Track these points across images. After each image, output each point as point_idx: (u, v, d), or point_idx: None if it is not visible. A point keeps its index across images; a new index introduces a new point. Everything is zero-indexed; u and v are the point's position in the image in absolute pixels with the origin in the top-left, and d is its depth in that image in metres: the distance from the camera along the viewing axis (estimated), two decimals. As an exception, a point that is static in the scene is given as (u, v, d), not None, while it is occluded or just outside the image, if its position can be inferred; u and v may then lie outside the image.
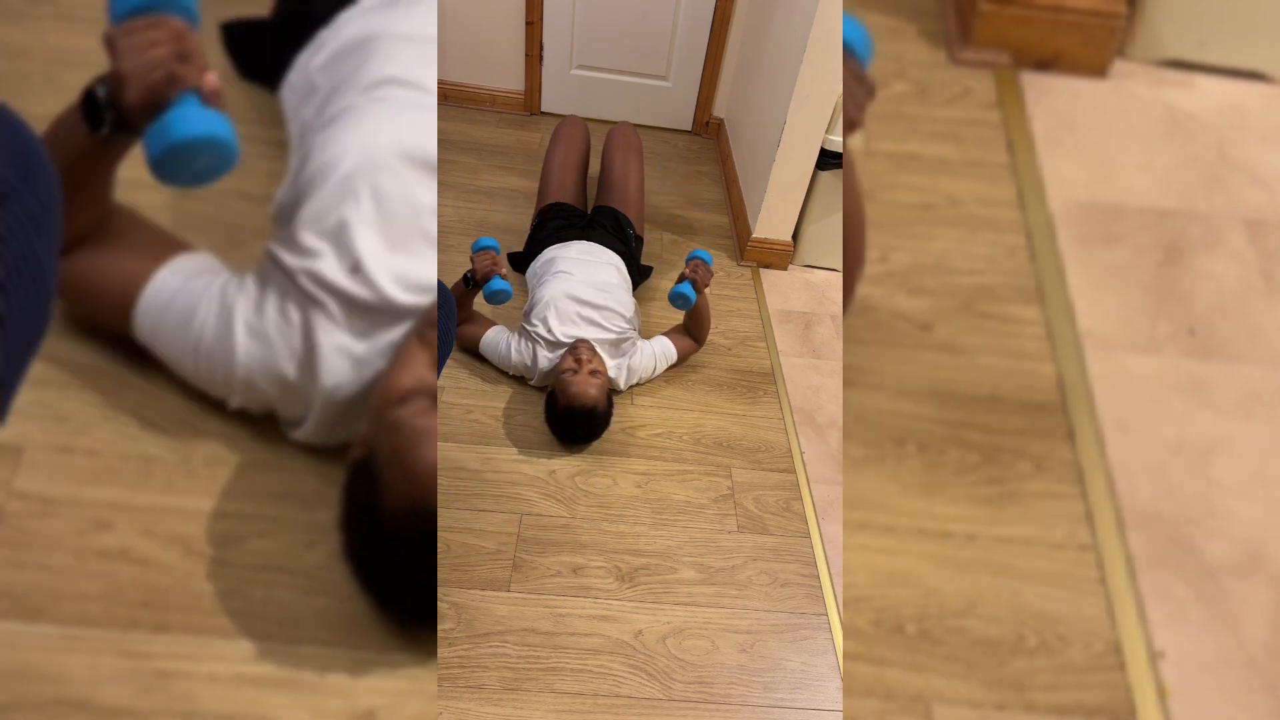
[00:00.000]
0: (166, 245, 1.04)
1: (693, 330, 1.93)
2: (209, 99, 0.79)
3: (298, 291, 0.98)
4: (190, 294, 1.00)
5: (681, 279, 1.81)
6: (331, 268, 0.97)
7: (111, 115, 0.80)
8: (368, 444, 0.90)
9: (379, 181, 1.00)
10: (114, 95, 0.79)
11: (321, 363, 0.98)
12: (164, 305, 0.99)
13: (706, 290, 1.87)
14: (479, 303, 1.92)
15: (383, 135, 1.02)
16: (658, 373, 1.89)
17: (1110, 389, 1.04)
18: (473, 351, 1.88)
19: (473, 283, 1.72)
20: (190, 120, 0.75)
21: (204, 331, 0.98)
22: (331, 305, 0.98)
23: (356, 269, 0.98)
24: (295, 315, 0.99)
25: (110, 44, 0.77)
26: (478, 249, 1.75)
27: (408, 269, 1.00)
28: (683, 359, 1.94)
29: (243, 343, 0.98)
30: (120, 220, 1.04)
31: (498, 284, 1.68)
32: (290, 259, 0.99)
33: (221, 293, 1.00)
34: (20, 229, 0.73)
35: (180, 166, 0.78)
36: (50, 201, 0.79)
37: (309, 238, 0.98)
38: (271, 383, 1.00)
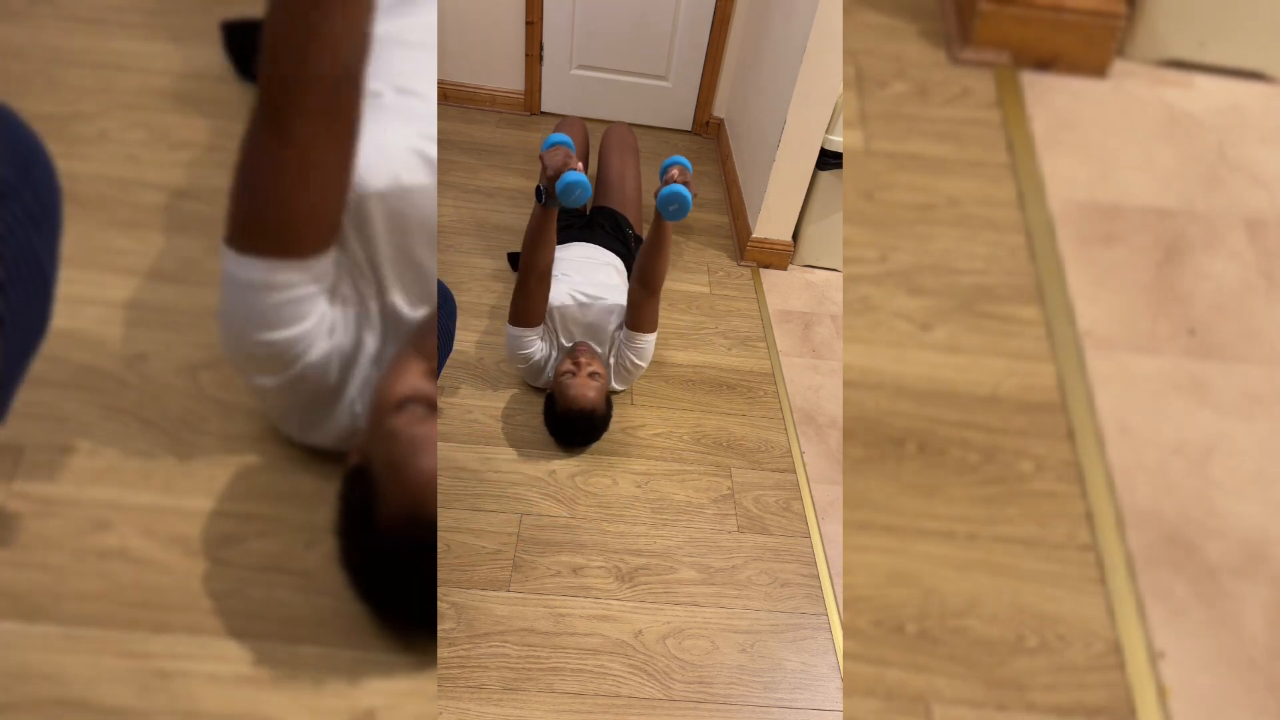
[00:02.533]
0: (329, 229, 0.92)
1: (650, 272, 1.65)
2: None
3: (361, 308, 0.98)
4: (299, 306, 0.91)
5: (667, 182, 1.55)
6: (368, 282, 0.98)
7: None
8: (363, 452, 0.90)
9: (385, 191, 1.00)
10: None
11: (354, 376, 0.98)
12: (261, 288, 0.89)
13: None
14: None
15: (385, 144, 1.02)
16: (646, 364, 1.78)
17: (1110, 389, 1.04)
18: (516, 315, 1.70)
19: (546, 197, 1.51)
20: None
21: (277, 345, 0.91)
22: (376, 321, 0.98)
23: (374, 279, 0.98)
24: (354, 330, 0.98)
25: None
26: (548, 145, 1.53)
27: (413, 277, 1.00)
28: (653, 322, 1.73)
29: (315, 359, 0.95)
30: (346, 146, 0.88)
31: (574, 175, 1.46)
32: (357, 276, 0.99)
33: (321, 318, 0.94)
34: (20, 228, 0.73)
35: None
36: (50, 201, 0.79)
37: (359, 252, 0.99)
38: (307, 392, 0.99)
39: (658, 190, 1.56)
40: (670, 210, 1.55)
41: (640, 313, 1.71)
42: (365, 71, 0.83)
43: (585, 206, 2.22)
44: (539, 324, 1.72)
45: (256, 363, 0.93)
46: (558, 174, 1.49)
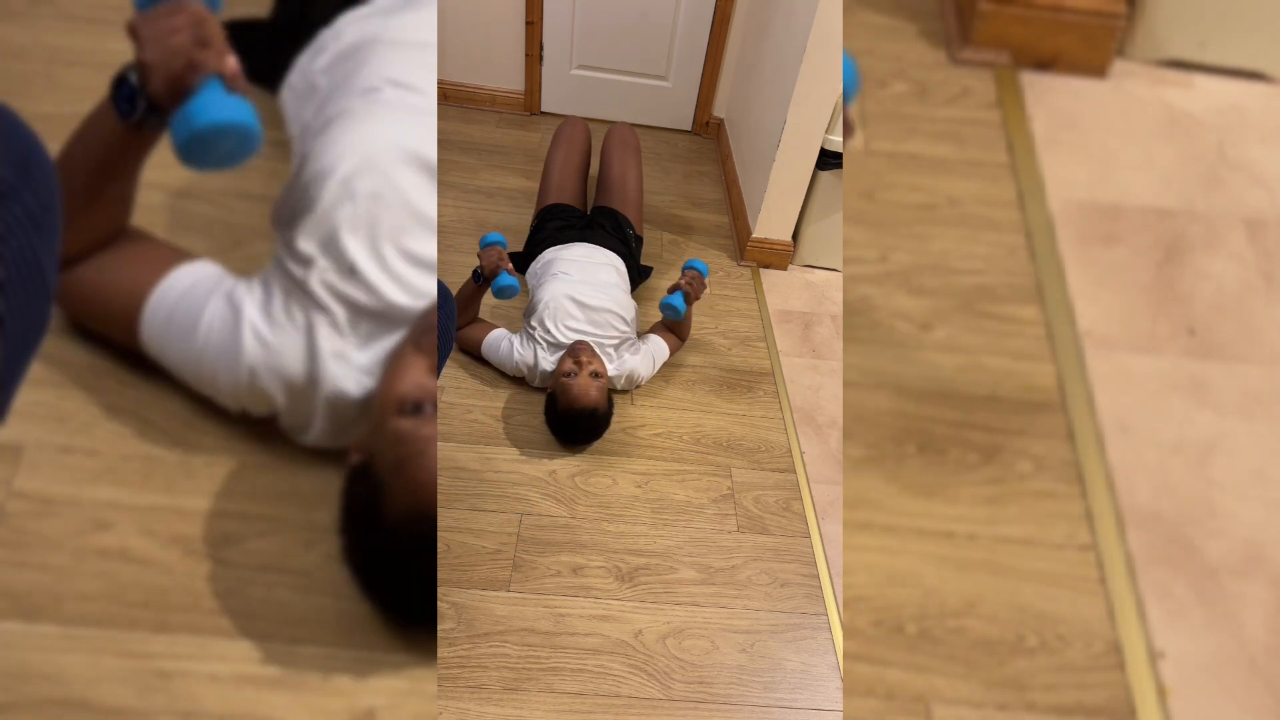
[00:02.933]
0: (170, 255, 1.04)
1: (676, 330, 1.97)
2: (231, 83, 0.81)
3: (302, 296, 0.98)
4: (195, 300, 0.99)
5: (674, 288, 1.83)
6: (331, 272, 0.97)
7: (143, 102, 0.81)
8: (366, 450, 0.90)
9: (378, 185, 0.99)
10: (144, 82, 0.80)
11: (324, 370, 0.98)
12: (169, 313, 0.98)
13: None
14: (486, 300, 1.93)
15: (381, 138, 1.02)
16: (654, 371, 1.90)
17: (1110, 389, 1.04)
18: (474, 354, 1.88)
19: (481, 279, 1.73)
20: (213, 106, 0.77)
21: (210, 337, 0.97)
22: (335, 310, 0.97)
23: (353, 272, 0.97)
24: (300, 320, 0.98)
25: (134, 33, 0.78)
26: (485, 244, 1.76)
27: (407, 273, 1.00)
28: (677, 342, 1.98)
29: (250, 348, 0.97)
30: (127, 234, 1.04)
31: (505, 279, 1.69)
32: (293, 263, 0.98)
33: (228, 298, 0.99)
34: (20, 228, 0.73)
35: (206, 152, 0.79)
36: (50, 201, 0.79)
37: (309, 243, 0.98)
38: (276, 389, 0.99)
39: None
40: (665, 313, 1.84)
41: (671, 340, 1.95)
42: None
43: (586, 207, 2.23)
44: (487, 332, 1.86)
45: (214, 390, 1.02)
46: (492, 275, 1.70)
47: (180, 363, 1.00)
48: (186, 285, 1.00)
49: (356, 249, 0.98)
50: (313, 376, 0.98)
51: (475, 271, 1.74)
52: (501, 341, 1.83)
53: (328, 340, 0.98)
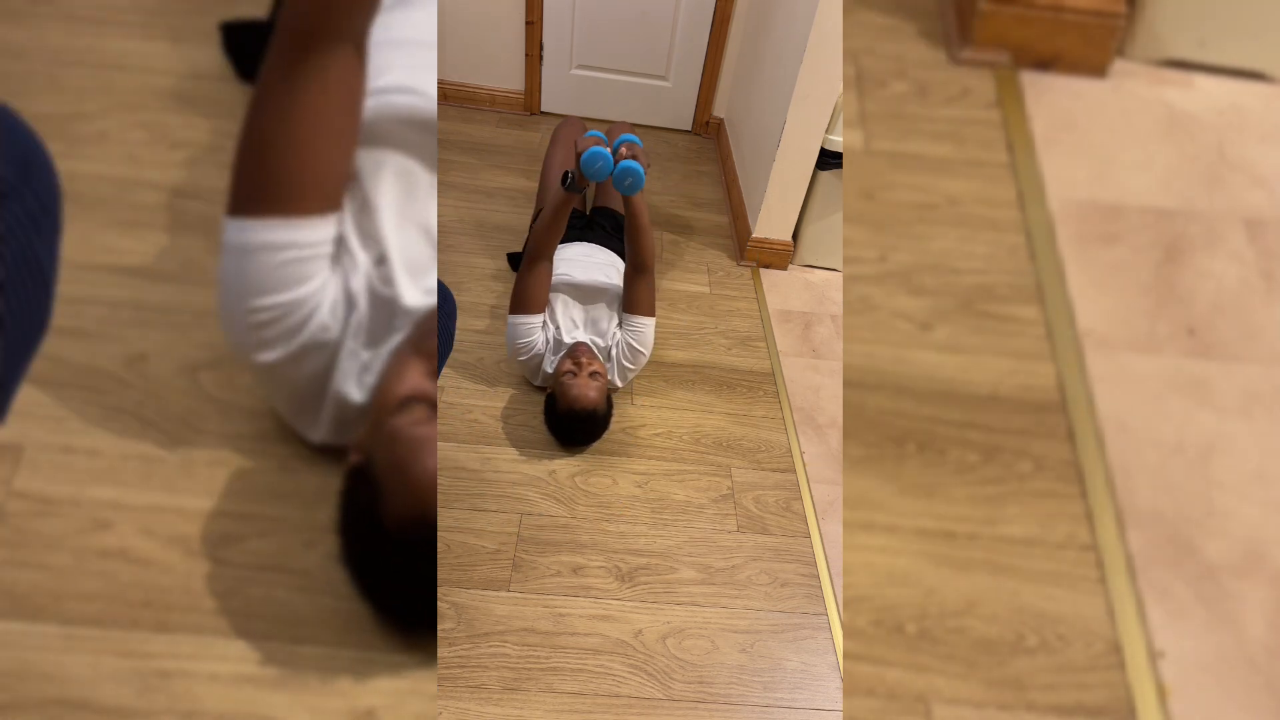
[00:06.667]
0: (333, 190, 0.92)
1: (636, 251, 1.70)
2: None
3: (350, 286, 0.98)
4: (303, 267, 0.90)
5: (617, 159, 1.59)
6: (365, 270, 0.97)
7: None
8: (364, 451, 0.90)
9: (385, 186, 0.99)
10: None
11: (341, 368, 0.97)
12: (273, 247, 0.88)
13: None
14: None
15: (384, 142, 1.02)
16: (648, 351, 1.78)
17: (1110, 389, 1.04)
18: (524, 309, 1.72)
19: (571, 181, 1.60)
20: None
21: (280, 308, 0.90)
22: (362, 305, 0.97)
23: (382, 263, 0.97)
24: (341, 314, 0.97)
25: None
26: (587, 137, 1.64)
27: (416, 272, 1.00)
28: (649, 305, 1.75)
29: (316, 329, 0.94)
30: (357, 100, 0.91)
31: (598, 149, 1.54)
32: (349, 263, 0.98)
33: (324, 285, 0.93)
34: (20, 228, 0.73)
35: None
36: (50, 201, 0.79)
37: (355, 242, 0.98)
38: (311, 366, 0.97)
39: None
40: (625, 185, 1.60)
41: (635, 294, 1.73)
42: (369, 32, 0.89)
43: (586, 207, 2.23)
44: (540, 311, 1.73)
45: (259, 333, 0.91)
46: (585, 149, 1.56)
47: (235, 289, 0.90)
48: (294, 243, 0.90)
49: (385, 244, 0.98)
50: (332, 364, 0.98)
51: (565, 174, 1.61)
52: (535, 327, 1.72)
53: (352, 338, 0.97)
